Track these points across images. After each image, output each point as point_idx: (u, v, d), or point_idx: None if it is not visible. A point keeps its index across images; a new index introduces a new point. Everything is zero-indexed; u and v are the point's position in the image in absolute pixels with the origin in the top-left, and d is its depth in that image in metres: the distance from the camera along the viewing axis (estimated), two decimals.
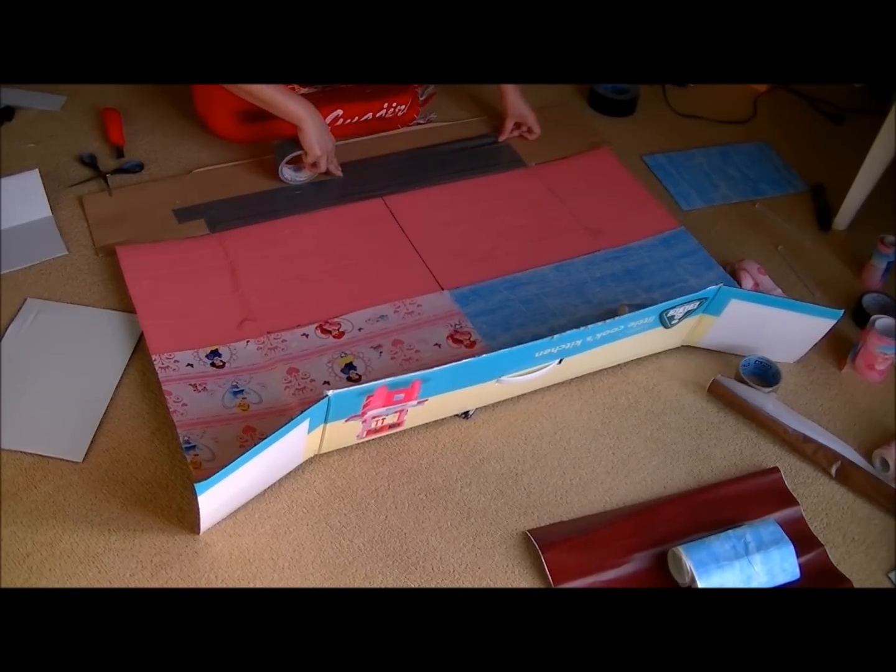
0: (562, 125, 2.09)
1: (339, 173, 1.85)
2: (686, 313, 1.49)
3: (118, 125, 1.91)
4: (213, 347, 1.49)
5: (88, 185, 1.78)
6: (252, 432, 1.37)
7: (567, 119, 2.12)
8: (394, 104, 1.96)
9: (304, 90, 1.91)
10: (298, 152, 1.77)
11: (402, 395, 1.31)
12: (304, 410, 1.22)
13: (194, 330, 1.51)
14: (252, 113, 1.87)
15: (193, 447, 1.33)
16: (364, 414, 1.31)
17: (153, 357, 1.45)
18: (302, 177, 1.84)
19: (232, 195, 1.80)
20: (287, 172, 1.82)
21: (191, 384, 1.42)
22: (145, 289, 1.57)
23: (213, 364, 1.46)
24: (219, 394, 1.42)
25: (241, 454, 1.18)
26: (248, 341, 1.51)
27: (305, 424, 1.25)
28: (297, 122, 1.72)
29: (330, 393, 1.22)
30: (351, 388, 1.24)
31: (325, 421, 1.28)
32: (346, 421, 1.31)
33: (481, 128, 2.05)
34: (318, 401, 1.22)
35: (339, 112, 1.91)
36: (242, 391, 1.43)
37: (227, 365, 1.47)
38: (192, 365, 1.45)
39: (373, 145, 1.95)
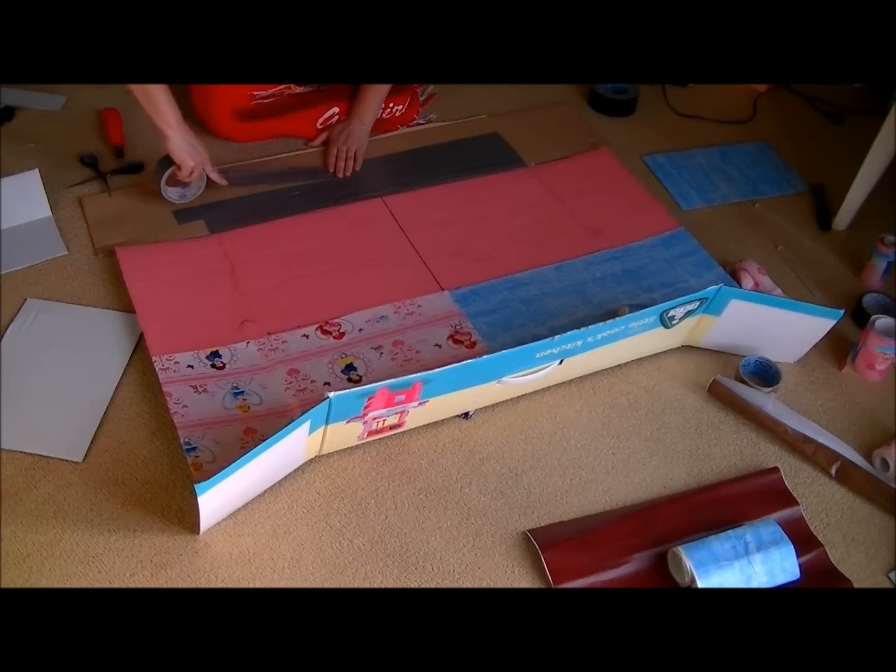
0: (561, 125, 2.09)
1: (223, 182, 1.78)
2: (686, 313, 1.49)
3: (118, 125, 1.91)
4: (214, 348, 1.49)
5: (89, 186, 1.78)
6: (253, 434, 1.37)
7: (566, 119, 2.12)
8: (391, 104, 1.96)
9: (299, 90, 1.91)
10: (173, 167, 1.70)
11: (403, 397, 1.31)
12: (305, 412, 1.22)
13: (194, 331, 1.51)
14: (250, 112, 1.87)
15: (194, 449, 1.33)
16: (365, 415, 1.31)
17: (153, 358, 1.45)
18: (189, 192, 1.76)
19: (231, 196, 1.80)
20: (171, 192, 1.74)
21: (191, 385, 1.42)
22: (145, 290, 1.57)
23: (213, 365, 1.46)
24: (219, 395, 1.42)
25: (242, 455, 1.18)
26: (248, 342, 1.51)
27: (306, 426, 1.25)
28: (162, 133, 1.65)
29: (331, 395, 1.22)
30: (352, 389, 1.24)
31: (327, 422, 1.28)
32: (347, 422, 1.31)
33: (481, 127, 2.05)
34: (320, 402, 1.22)
35: (336, 110, 1.92)
36: (243, 392, 1.43)
37: (227, 366, 1.47)
38: (192, 366, 1.45)
39: (372, 145, 1.95)
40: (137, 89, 1.62)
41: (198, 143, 1.71)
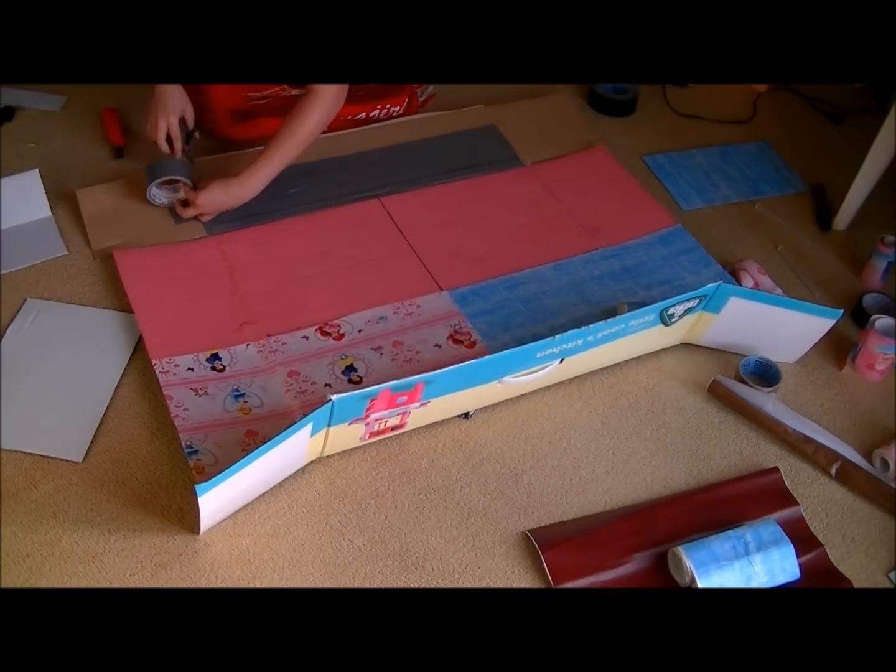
0: (557, 118, 2.09)
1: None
2: (686, 311, 1.49)
3: (118, 125, 1.91)
4: (214, 351, 1.49)
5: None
6: (254, 436, 1.36)
7: (562, 111, 2.12)
8: (387, 106, 1.96)
9: (295, 91, 1.90)
10: (169, 177, 1.69)
11: (406, 398, 1.31)
12: (307, 414, 1.22)
13: (194, 334, 1.51)
14: (246, 112, 1.87)
15: (196, 452, 1.33)
16: (367, 417, 1.31)
17: (153, 361, 1.45)
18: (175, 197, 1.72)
19: None
20: (160, 196, 1.72)
21: (192, 388, 1.42)
22: (143, 293, 1.57)
23: (213, 368, 1.46)
24: (220, 398, 1.42)
25: (244, 458, 1.18)
26: (248, 344, 1.50)
27: (308, 428, 1.25)
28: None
29: (333, 397, 1.22)
30: (355, 391, 1.24)
31: (329, 425, 1.28)
32: (349, 424, 1.31)
33: (477, 118, 2.05)
34: (322, 405, 1.22)
35: None
36: (243, 395, 1.43)
37: (227, 368, 1.46)
38: (192, 369, 1.45)
39: (368, 138, 1.94)
40: None
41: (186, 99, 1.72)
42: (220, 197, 1.68)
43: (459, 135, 2.00)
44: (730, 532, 1.28)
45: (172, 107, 1.72)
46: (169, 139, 1.75)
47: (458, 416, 1.46)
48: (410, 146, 1.95)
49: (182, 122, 1.76)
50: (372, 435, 1.38)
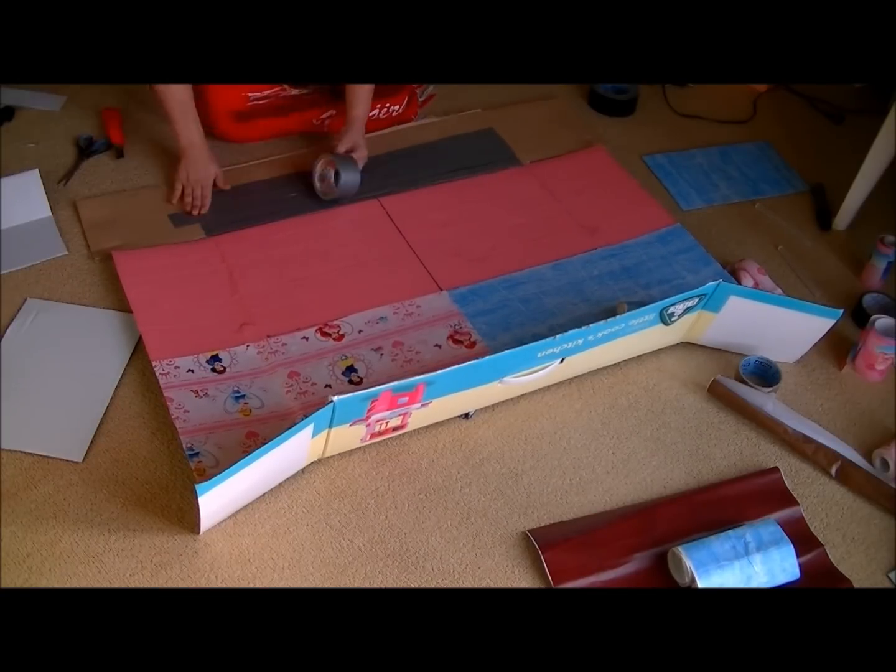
0: (555, 120, 2.09)
1: (205, 204, 1.76)
2: (686, 310, 1.49)
3: (118, 125, 1.91)
4: (214, 352, 1.49)
5: (84, 188, 1.78)
6: (255, 437, 1.36)
7: (560, 114, 2.12)
8: (387, 105, 1.96)
9: (294, 91, 1.91)
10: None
11: (407, 399, 1.31)
12: (309, 415, 1.22)
13: (194, 335, 1.51)
14: (245, 112, 1.87)
15: (197, 454, 1.33)
16: (368, 418, 1.31)
17: (153, 363, 1.45)
18: None
19: (227, 199, 1.78)
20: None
21: (192, 390, 1.42)
22: (143, 294, 1.57)
23: (213, 369, 1.46)
24: (220, 399, 1.42)
25: (244, 458, 1.18)
26: (248, 345, 1.50)
27: (309, 429, 1.25)
28: (181, 152, 1.75)
29: (335, 398, 1.22)
30: (356, 393, 1.24)
31: (330, 426, 1.28)
32: (350, 425, 1.30)
33: (476, 122, 2.05)
34: (323, 406, 1.22)
35: (333, 112, 1.92)
36: (244, 396, 1.43)
37: (227, 370, 1.46)
38: (192, 371, 1.45)
39: (368, 143, 1.94)
40: (162, 105, 1.68)
41: (211, 163, 1.76)
42: (187, 169, 1.73)
43: (457, 138, 2.01)
44: (730, 532, 1.28)
45: (206, 175, 1.76)
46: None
47: (458, 416, 1.46)
48: (408, 150, 1.96)
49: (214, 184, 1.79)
50: (373, 436, 1.38)
